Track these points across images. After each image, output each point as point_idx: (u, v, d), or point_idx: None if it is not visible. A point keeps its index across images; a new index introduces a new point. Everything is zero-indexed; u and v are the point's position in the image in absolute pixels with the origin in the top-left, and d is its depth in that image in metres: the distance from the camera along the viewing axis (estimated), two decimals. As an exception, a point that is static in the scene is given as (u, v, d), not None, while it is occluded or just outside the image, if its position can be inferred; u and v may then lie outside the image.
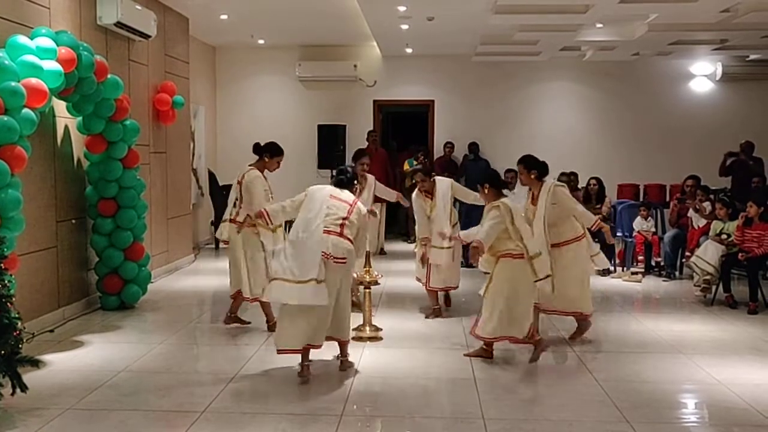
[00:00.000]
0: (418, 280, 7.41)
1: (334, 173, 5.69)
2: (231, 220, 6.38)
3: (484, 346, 5.69)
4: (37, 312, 6.31)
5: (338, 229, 5.15)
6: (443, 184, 7.17)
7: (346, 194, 5.38)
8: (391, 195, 7.92)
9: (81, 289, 7.22)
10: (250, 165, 6.42)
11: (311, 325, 5.09)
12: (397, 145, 14.78)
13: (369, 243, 7.17)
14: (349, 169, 5.72)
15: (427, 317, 7.18)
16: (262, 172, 6.41)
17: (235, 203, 6.39)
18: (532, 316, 5.64)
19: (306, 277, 4.98)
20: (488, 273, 5.63)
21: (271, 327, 6.34)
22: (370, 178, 7.59)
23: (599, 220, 6.32)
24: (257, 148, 6.48)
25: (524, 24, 9.58)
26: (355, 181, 5.85)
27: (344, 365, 5.43)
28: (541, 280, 5.59)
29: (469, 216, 8.30)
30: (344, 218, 5.19)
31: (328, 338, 5.30)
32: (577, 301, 6.20)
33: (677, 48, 11.34)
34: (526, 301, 5.54)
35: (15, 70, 5.34)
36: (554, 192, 6.09)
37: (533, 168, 6.18)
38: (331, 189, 5.37)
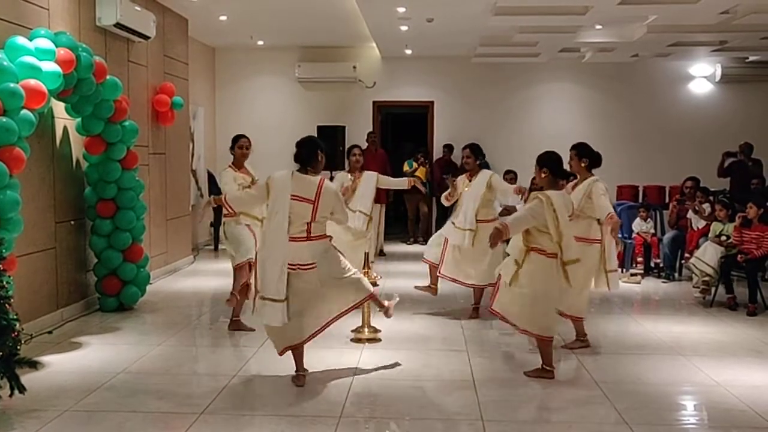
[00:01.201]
0: (426, 261, 7.27)
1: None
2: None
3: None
4: (35, 313, 6.31)
5: (304, 234, 4.94)
6: (482, 175, 7.05)
7: (308, 184, 4.94)
8: (403, 183, 7.68)
9: (80, 290, 7.22)
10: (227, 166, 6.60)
11: (300, 322, 5.03)
12: (406, 148, 14.32)
13: (368, 245, 7.21)
14: (310, 138, 5.24)
15: (416, 287, 7.37)
16: (240, 167, 6.53)
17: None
18: (554, 319, 5.26)
19: (272, 296, 4.90)
20: (512, 257, 5.28)
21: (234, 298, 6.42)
22: (369, 173, 7.40)
23: (613, 214, 5.75)
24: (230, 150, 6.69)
25: (524, 25, 9.59)
26: (320, 153, 5.12)
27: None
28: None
29: None
30: (309, 223, 4.93)
31: (332, 321, 5.16)
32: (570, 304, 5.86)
33: (676, 49, 11.34)
34: (547, 301, 5.14)
35: (14, 71, 5.34)
36: (592, 187, 5.85)
37: (585, 156, 5.98)
38: (292, 183, 4.93)
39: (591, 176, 6.03)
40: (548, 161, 5.26)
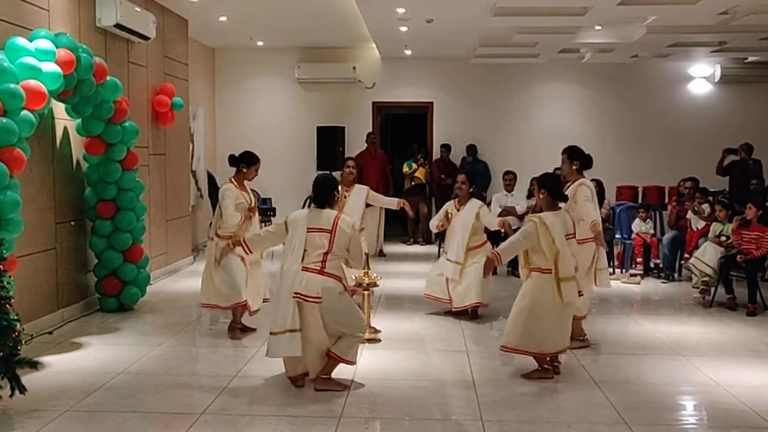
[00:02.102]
0: (429, 297, 7.33)
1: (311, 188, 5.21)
2: (216, 236, 6.26)
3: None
4: (36, 314, 6.32)
5: (319, 266, 4.92)
6: (472, 205, 7.18)
7: (324, 217, 5.00)
8: (393, 203, 7.70)
9: (80, 290, 7.22)
10: (230, 179, 6.41)
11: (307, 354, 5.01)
12: (409, 149, 13.79)
13: (368, 244, 7.23)
14: (326, 178, 5.28)
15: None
16: (242, 183, 6.39)
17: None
18: (559, 335, 5.25)
19: (282, 328, 4.87)
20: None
21: (232, 327, 6.44)
22: (360, 188, 7.42)
23: (596, 222, 5.91)
24: (232, 160, 6.43)
25: (523, 26, 9.59)
26: (336, 192, 5.26)
27: (319, 383, 5.03)
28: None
29: None
30: (325, 253, 4.93)
31: (330, 353, 5.06)
32: None
33: (676, 50, 11.35)
34: (550, 319, 5.15)
35: (14, 72, 5.35)
36: (578, 189, 5.94)
37: (576, 159, 6.09)
38: (308, 217, 5.01)
39: (582, 178, 6.12)
40: (547, 183, 5.41)
